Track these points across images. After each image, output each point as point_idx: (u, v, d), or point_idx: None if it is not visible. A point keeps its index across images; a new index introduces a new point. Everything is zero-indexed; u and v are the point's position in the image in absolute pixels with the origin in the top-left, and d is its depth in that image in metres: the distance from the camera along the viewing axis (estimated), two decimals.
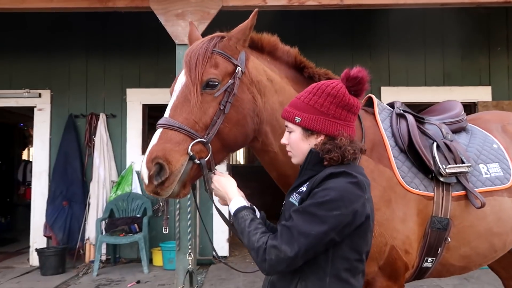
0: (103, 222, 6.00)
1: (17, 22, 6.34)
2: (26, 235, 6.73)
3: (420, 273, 2.02)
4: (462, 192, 1.97)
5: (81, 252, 6.19)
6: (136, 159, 6.37)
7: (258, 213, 1.60)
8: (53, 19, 6.15)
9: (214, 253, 6.00)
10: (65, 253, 5.89)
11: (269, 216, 1.69)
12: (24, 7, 4.39)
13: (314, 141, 1.52)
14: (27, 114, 7.51)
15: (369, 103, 2.16)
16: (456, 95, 6.30)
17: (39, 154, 6.52)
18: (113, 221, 5.99)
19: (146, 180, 1.61)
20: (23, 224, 7.81)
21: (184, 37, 4.03)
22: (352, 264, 1.43)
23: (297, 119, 1.52)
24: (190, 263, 3.60)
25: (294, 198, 1.52)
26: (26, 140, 10.75)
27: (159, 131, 1.66)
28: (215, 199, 1.70)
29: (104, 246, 6.03)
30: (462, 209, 1.97)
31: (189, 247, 4.09)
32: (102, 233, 5.87)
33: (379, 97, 6.21)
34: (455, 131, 2.21)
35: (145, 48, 6.61)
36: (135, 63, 6.63)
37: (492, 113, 2.68)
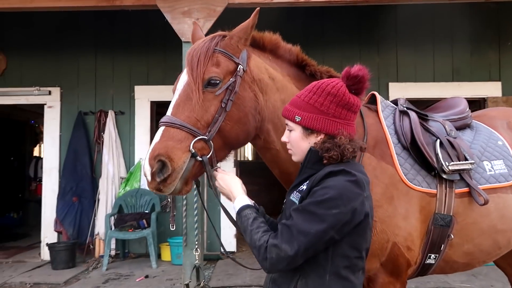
0: (112, 217, 6.07)
1: (27, 21, 6.42)
2: (37, 230, 6.84)
3: (423, 270, 2.02)
4: (466, 189, 1.95)
5: (91, 247, 6.28)
6: (145, 155, 6.41)
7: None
8: (61, 18, 6.23)
9: (221, 248, 6.05)
10: (75, 248, 5.98)
11: (276, 212, 1.70)
12: (33, 6, 4.44)
13: (314, 140, 1.53)
14: (38, 111, 7.58)
15: (373, 100, 2.15)
16: (465, 91, 6.25)
17: (49, 151, 6.61)
18: (122, 217, 6.06)
19: (148, 177, 1.65)
20: (35, 219, 7.93)
21: (190, 34, 4.03)
22: (352, 261, 1.44)
23: (297, 118, 1.53)
24: (197, 258, 3.64)
25: (294, 197, 1.54)
26: (37, 137, 10.89)
27: (161, 129, 1.69)
28: (221, 196, 1.72)
29: (113, 241, 6.11)
30: (466, 206, 1.96)
31: (196, 242, 4.13)
32: (111, 229, 5.94)
33: (387, 93, 6.19)
34: (459, 128, 2.19)
35: (152, 46, 6.64)
36: (143, 60, 6.67)
37: (498, 109, 2.64)
